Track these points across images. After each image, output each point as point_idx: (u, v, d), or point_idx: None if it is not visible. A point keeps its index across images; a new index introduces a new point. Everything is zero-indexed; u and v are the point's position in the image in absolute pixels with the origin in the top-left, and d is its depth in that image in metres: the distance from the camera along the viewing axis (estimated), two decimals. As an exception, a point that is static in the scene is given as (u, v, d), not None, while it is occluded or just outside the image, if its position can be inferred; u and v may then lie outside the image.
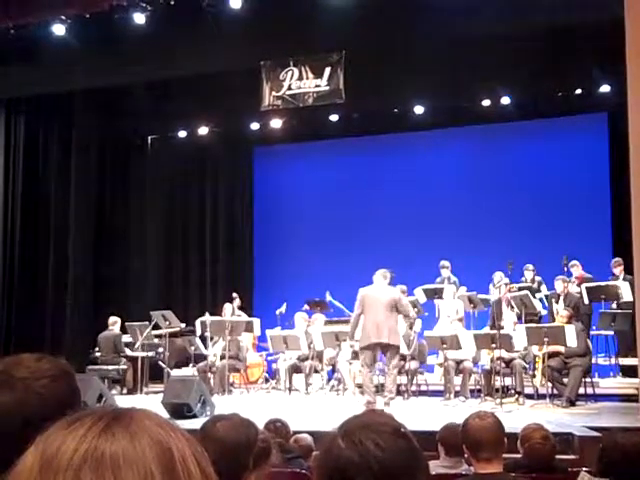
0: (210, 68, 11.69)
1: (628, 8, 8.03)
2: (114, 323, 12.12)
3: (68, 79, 12.08)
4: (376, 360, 9.60)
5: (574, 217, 13.15)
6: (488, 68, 11.45)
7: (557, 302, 10.87)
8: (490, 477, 3.43)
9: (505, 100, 12.82)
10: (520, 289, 11.38)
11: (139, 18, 10.78)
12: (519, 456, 4.59)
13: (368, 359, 9.43)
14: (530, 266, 11.99)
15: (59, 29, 11.13)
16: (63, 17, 10.95)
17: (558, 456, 5.46)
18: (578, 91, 12.55)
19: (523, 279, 12.03)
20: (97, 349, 12.44)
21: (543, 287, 11.91)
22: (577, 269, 11.65)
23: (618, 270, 11.13)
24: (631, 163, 8.06)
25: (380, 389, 9.74)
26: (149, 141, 14.89)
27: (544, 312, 11.33)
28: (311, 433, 5.45)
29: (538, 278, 12.02)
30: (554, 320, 10.28)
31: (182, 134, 14.68)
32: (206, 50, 11.21)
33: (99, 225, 14.31)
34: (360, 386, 9.96)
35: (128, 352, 11.99)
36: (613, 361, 11.10)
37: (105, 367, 11.74)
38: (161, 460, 0.74)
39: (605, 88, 12.16)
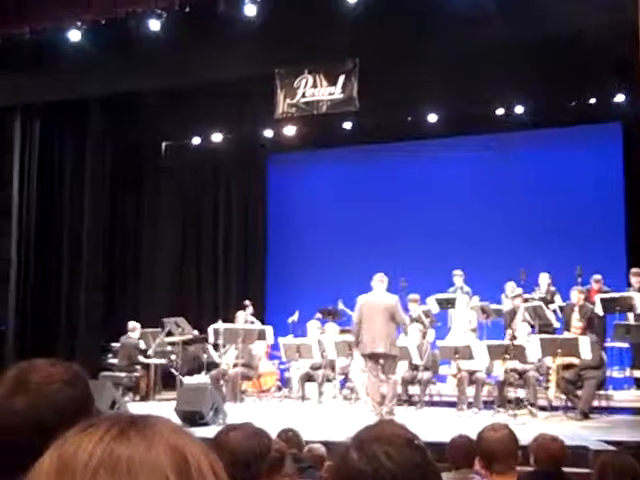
0: (225, 75, 11.74)
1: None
2: (134, 329, 12.12)
3: (83, 85, 12.16)
4: (378, 369, 9.55)
5: (588, 227, 13.08)
6: (502, 77, 11.44)
7: (572, 313, 10.78)
8: (504, 489, 3.40)
9: (519, 109, 12.79)
10: (532, 300, 11.32)
11: (154, 25, 10.83)
12: (532, 469, 4.56)
13: (370, 367, 9.44)
14: (546, 274, 11.90)
15: (75, 35, 11.19)
16: (79, 23, 11.02)
17: (572, 469, 5.42)
18: (592, 100, 12.50)
19: (536, 287, 11.95)
20: (111, 355, 12.47)
21: (557, 297, 11.82)
22: (597, 285, 11.52)
23: (635, 280, 11.05)
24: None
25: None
26: (163, 147, 14.94)
27: (557, 324, 11.23)
28: (324, 443, 5.43)
29: (552, 288, 11.94)
30: (569, 331, 10.21)
31: (196, 141, 14.71)
32: (221, 57, 11.26)
33: (112, 231, 14.38)
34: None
35: (141, 359, 12.01)
36: (628, 373, 11.02)
37: (118, 374, 11.76)
38: (176, 466, 0.73)
39: (619, 98, 12.12)
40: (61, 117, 13.43)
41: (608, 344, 10.93)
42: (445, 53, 11.22)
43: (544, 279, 11.96)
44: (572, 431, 8.09)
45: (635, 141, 9.01)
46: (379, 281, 9.56)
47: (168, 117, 13.45)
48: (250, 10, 10.48)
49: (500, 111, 12.95)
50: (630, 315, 10.87)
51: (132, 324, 12.14)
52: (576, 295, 10.84)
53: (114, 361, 12.26)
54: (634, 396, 10.59)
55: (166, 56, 11.33)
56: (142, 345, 12.20)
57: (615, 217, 13.01)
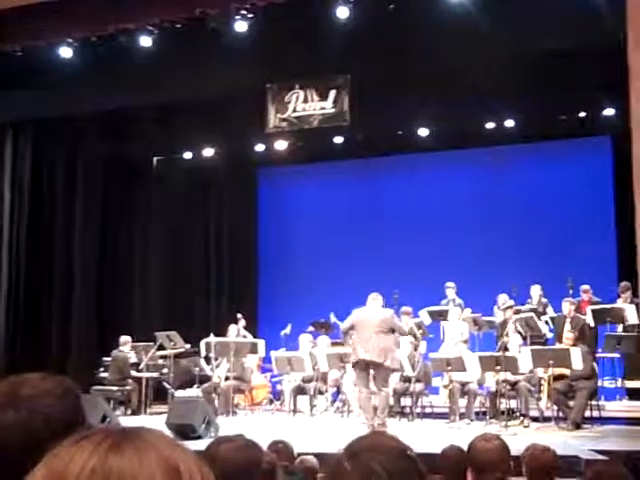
0: (216, 90, 11.76)
1: (630, 31, 8.07)
2: (125, 343, 12.08)
3: (74, 102, 12.14)
4: (369, 380, 9.53)
5: (579, 240, 13.12)
6: (492, 91, 11.48)
7: (564, 324, 10.82)
8: (495, 500, 3.40)
9: (509, 123, 12.85)
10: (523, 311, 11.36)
11: (145, 41, 10.84)
12: (524, 479, 4.56)
13: (360, 378, 9.43)
14: (538, 286, 11.97)
15: (66, 52, 11.20)
16: (70, 40, 11.03)
17: (564, 479, 5.42)
18: (582, 114, 12.59)
19: (529, 300, 12.00)
20: (102, 369, 12.42)
21: (549, 309, 11.87)
22: (587, 295, 11.62)
23: (625, 295, 11.11)
24: (635, 186, 8.06)
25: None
26: (154, 162, 14.94)
27: (550, 335, 11.28)
28: (315, 455, 5.41)
29: (544, 300, 11.99)
30: (561, 342, 10.24)
31: (187, 155, 14.74)
32: (212, 72, 11.28)
33: (104, 245, 14.35)
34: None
35: (133, 373, 11.97)
36: (619, 384, 11.05)
37: (110, 388, 11.72)
38: (168, 478, 0.74)
39: (609, 111, 12.20)
40: (52, 134, 13.40)
41: (599, 355, 10.96)
42: (436, 67, 11.26)
43: (536, 291, 12.02)
44: (564, 441, 8.10)
45: (624, 154, 9.07)
46: (373, 299, 9.61)
47: (159, 132, 13.44)
48: (241, 26, 10.50)
49: (490, 125, 13.01)
50: (620, 326, 10.93)
51: (124, 338, 12.11)
52: (567, 307, 10.89)
53: (106, 375, 12.21)
54: (626, 406, 10.61)
55: (157, 71, 11.34)
56: (134, 359, 12.16)
57: (605, 230, 13.07)
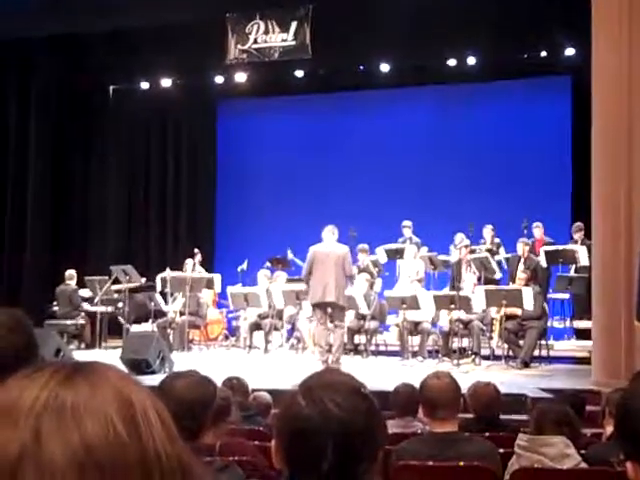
0: (175, 19, 11.47)
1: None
2: (71, 277, 11.98)
3: (30, 26, 11.76)
4: (327, 318, 9.57)
5: (536, 180, 13.25)
6: (454, 28, 11.39)
7: (518, 264, 10.96)
8: (445, 436, 3.49)
9: (470, 60, 12.80)
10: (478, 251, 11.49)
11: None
12: (473, 416, 4.67)
13: (319, 316, 9.49)
14: (489, 226, 12.07)
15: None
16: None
17: (511, 416, 5.58)
18: (543, 53, 12.59)
19: (482, 240, 12.12)
20: (56, 303, 12.33)
21: (501, 249, 12.02)
22: (539, 230, 11.80)
23: (578, 235, 11.27)
24: (593, 127, 8.11)
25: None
26: (111, 91, 14.61)
27: (500, 275, 11.40)
28: (270, 391, 5.48)
29: (497, 240, 12.12)
30: (514, 282, 10.39)
31: (145, 85, 14.41)
32: (172, 0, 11.00)
33: (59, 176, 14.08)
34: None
35: (87, 307, 11.90)
36: (568, 324, 11.32)
37: (63, 322, 11.65)
38: (122, 410, 0.73)
39: (570, 51, 12.23)
40: (6, 58, 12.98)
41: (550, 295, 11.17)
42: (398, 2, 11.12)
43: (488, 231, 12.13)
44: (512, 379, 8.31)
45: (583, 95, 9.13)
46: (330, 232, 9.53)
47: (116, 61, 13.12)
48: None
49: (452, 62, 12.95)
50: (572, 267, 11.13)
51: (69, 272, 11.99)
52: (521, 247, 11.01)
53: (57, 309, 12.12)
54: (574, 346, 10.88)
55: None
56: (88, 293, 12.08)
57: (562, 171, 13.18)
